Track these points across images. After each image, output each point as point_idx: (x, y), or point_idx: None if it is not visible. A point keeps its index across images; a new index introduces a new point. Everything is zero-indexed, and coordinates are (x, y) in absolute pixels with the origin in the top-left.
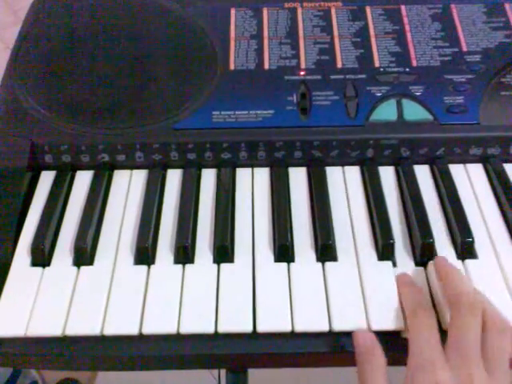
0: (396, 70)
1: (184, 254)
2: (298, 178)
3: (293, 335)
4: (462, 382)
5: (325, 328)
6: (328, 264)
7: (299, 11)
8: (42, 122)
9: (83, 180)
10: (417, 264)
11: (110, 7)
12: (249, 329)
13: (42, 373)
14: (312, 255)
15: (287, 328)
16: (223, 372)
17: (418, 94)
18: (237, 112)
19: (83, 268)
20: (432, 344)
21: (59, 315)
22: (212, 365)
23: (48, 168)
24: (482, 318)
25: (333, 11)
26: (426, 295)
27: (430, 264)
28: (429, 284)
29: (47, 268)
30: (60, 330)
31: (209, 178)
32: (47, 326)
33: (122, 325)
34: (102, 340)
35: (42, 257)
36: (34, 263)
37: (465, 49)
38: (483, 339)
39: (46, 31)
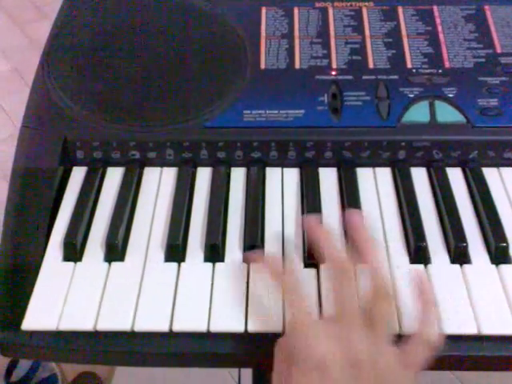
0: (428, 71)
1: (214, 252)
2: (328, 178)
3: None
4: (343, 349)
5: None
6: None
7: (330, 11)
8: (75, 119)
9: (114, 176)
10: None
11: (141, 5)
12: (278, 329)
13: (61, 366)
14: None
15: None
16: (243, 373)
17: (450, 95)
18: (267, 111)
19: (114, 264)
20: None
21: (91, 310)
22: (240, 364)
23: (79, 164)
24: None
25: (364, 11)
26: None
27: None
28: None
29: (79, 263)
30: (91, 325)
31: (238, 177)
32: (79, 320)
33: (153, 321)
34: (132, 336)
35: (73, 252)
36: (66, 258)
37: (499, 50)
38: (370, 304)
39: (79, 28)
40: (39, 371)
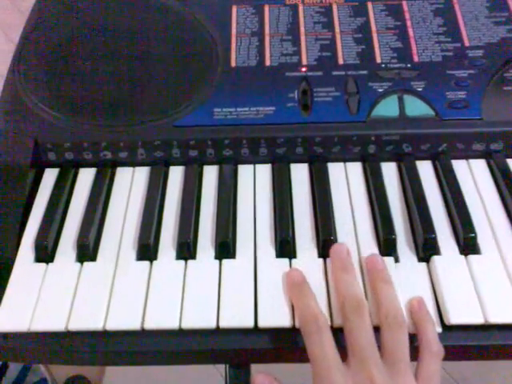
0: (397, 65)
1: (186, 250)
2: (299, 174)
3: (294, 330)
4: None
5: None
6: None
7: (300, 8)
8: (45, 120)
9: (86, 177)
10: (419, 260)
11: (112, 5)
12: (250, 324)
13: (51, 370)
14: (314, 251)
15: (288, 323)
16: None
17: (419, 89)
18: (238, 109)
19: (86, 264)
20: (329, 353)
21: (62, 310)
22: (213, 360)
23: (51, 165)
24: (369, 317)
25: (334, 7)
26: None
27: (433, 259)
28: (431, 279)
29: (51, 264)
30: (63, 325)
31: (211, 175)
32: (50, 321)
33: (125, 320)
34: (104, 335)
35: (45, 253)
36: (38, 259)
37: (467, 44)
38: (380, 336)
39: (49, 29)
40: (29, 376)
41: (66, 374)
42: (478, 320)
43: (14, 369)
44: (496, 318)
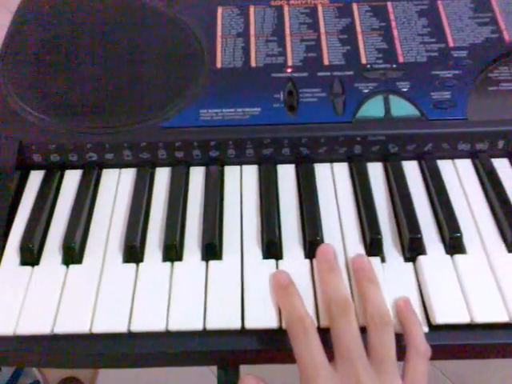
0: (383, 66)
1: (172, 252)
2: (286, 174)
3: (281, 331)
4: None
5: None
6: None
7: (286, 9)
8: (30, 122)
9: (72, 179)
10: (405, 260)
11: (97, 6)
12: (237, 325)
13: (44, 372)
14: (300, 252)
15: (275, 324)
16: None
17: (405, 89)
18: (224, 110)
19: (72, 266)
20: (316, 355)
21: (48, 313)
22: (201, 362)
23: (37, 167)
24: (355, 318)
25: (319, 8)
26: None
27: (419, 259)
28: (418, 279)
29: (36, 267)
30: (49, 328)
31: (197, 176)
32: (36, 324)
33: (111, 322)
34: (91, 338)
35: (30, 256)
36: (23, 262)
37: (452, 44)
38: (367, 336)
39: (34, 30)
40: (21, 378)
41: (60, 376)
42: (464, 319)
43: (6, 371)
44: (482, 318)
